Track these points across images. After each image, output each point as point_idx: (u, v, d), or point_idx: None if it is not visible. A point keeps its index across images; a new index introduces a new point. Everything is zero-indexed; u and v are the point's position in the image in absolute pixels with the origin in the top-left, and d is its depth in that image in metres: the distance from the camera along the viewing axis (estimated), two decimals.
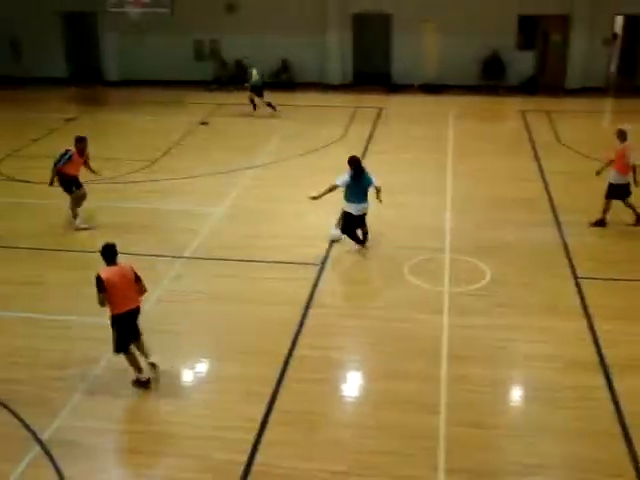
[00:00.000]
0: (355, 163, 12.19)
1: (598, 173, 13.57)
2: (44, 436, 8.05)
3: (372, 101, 24.09)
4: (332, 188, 12.14)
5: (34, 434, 8.07)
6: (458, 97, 24.44)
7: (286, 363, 9.40)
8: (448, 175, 16.48)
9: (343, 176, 12.12)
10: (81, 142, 13.65)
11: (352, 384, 9.28)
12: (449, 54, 25.11)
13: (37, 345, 9.88)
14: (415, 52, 25.58)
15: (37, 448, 7.87)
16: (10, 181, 16.36)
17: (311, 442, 8.01)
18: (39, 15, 26.25)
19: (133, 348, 8.97)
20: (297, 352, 9.64)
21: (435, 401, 8.63)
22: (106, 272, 8.57)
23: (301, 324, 10.31)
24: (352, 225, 12.37)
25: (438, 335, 10.02)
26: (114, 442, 8.07)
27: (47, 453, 7.79)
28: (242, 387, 8.96)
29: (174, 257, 12.44)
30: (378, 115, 22.26)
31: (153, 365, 9.03)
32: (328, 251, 12.62)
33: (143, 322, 9.51)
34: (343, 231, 12.51)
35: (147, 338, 9.37)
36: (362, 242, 12.52)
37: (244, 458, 7.72)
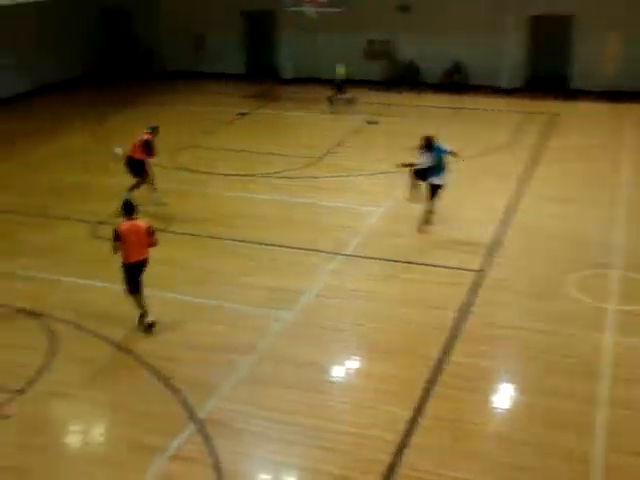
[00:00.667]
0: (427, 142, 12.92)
1: None
2: (200, 415, 8.44)
3: (547, 107, 23.24)
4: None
5: (191, 412, 8.48)
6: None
7: (437, 368, 9.31)
8: (623, 187, 15.64)
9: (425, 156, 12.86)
10: (154, 132, 14.75)
11: (503, 395, 9.05)
12: (634, 60, 23.78)
13: (201, 329, 10.36)
14: (595, 56, 24.39)
15: (193, 426, 8.26)
16: (180, 170, 17.25)
17: (457, 450, 7.89)
18: (222, 13, 27.47)
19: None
20: (448, 358, 9.52)
21: (590, 422, 8.23)
22: (123, 225, 9.90)
23: (455, 330, 10.18)
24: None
25: (598, 353, 9.55)
26: (263, 429, 8.30)
27: (202, 431, 8.16)
28: (390, 388, 8.97)
29: (333, 253, 12.63)
30: (551, 121, 21.47)
31: (150, 325, 10.14)
32: (488, 258, 12.37)
33: (303, 314, 9.77)
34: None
35: (302, 331, 9.60)
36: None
37: (389, 459, 7.73)
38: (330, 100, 22.93)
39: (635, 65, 23.80)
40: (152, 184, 14.78)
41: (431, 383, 8.99)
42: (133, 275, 10.04)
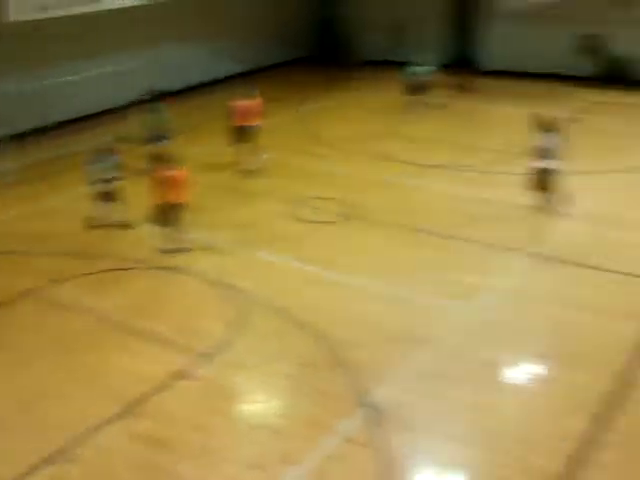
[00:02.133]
0: None
1: None
2: (379, 401, 8.49)
3: None
4: None
5: (369, 397, 8.57)
6: None
7: (625, 380, 8.79)
8: None
9: None
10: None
11: None
12: None
13: (389, 318, 10.39)
14: None
15: (369, 411, 8.34)
16: (374, 159, 17.37)
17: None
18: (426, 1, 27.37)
19: None
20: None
21: None
22: None
23: None
24: None
25: None
26: (437, 423, 8.22)
27: (377, 418, 8.23)
28: (568, 395, 8.60)
29: (526, 252, 12.26)
30: None
31: None
32: None
33: (493, 311, 9.57)
34: None
35: (492, 329, 9.43)
36: None
37: (562, 469, 7.42)
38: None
39: None
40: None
41: (618, 395, 8.51)
42: None
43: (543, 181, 13.49)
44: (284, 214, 14.11)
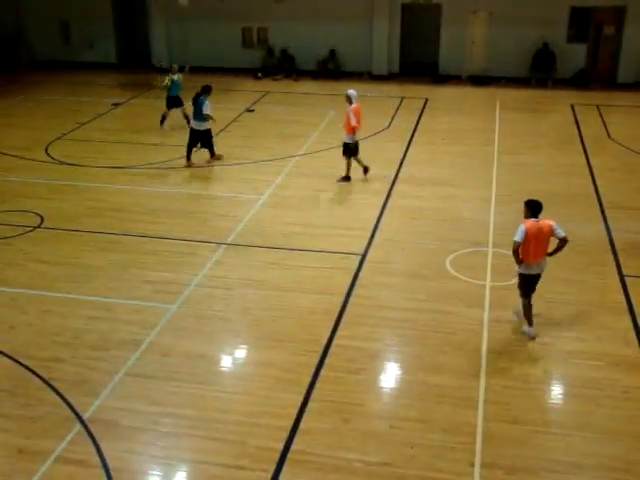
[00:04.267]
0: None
1: None
2: (85, 415, 8.22)
3: (418, 91, 23.93)
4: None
5: (75, 413, 8.25)
6: (507, 90, 24.21)
7: (324, 352, 9.44)
8: (494, 168, 16.34)
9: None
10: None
11: (390, 376, 9.27)
12: (498, 45, 24.94)
13: (79, 325, 10.06)
14: (464, 43, 25.37)
15: (78, 426, 8.04)
16: (57, 164, 16.67)
17: (348, 432, 8.04)
18: None
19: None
20: (336, 342, 9.67)
21: (473, 396, 8.59)
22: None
23: (340, 314, 10.34)
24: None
25: (478, 329, 9.96)
26: (151, 424, 8.17)
27: (88, 432, 7.95)
28: (279, 374, 9.03)
29: (216, 243, 12.56)
30: (424, 106, 22.12)
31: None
32: (370, 241, 12.64)
33: (188, 306, 9.64)
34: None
35: (188, 323, 9.51)
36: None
37: (280, 445, 7.79)
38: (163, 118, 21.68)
39: (501, 51, 24.89)
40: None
41: (319, 367, 9.12)
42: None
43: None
44: None
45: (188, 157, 16.32)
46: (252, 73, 25.91)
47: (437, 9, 25.19)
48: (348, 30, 25.62)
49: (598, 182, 15.46)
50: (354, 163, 15.50)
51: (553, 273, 10.99)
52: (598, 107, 21.81)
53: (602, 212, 13.89)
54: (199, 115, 16.19)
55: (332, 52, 25.91)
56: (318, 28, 25.63)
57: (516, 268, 9.77)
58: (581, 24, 24.70)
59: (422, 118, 20.76)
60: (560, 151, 17.75)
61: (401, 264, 11.96)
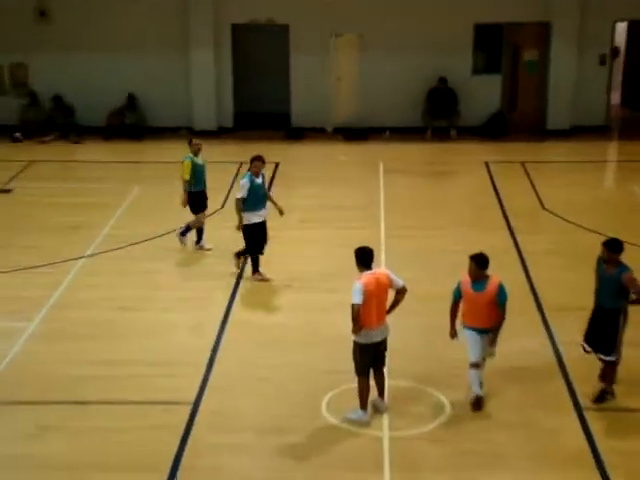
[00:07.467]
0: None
1: None
2: None
3: (264, 151, 24.04)
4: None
5: None
6: (392, 145, 25.08)
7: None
8: (381, 259, 16.49)
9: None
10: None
11: None
12: (376, 83, 25.73)
13: None
14: (325, 80, 26.05)
15: None
16: None
17: None
18: None
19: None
20: None
21: None
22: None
23: None
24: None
25: None
26: None
27: None
28: None
29: None
30: (274, 174, 22.31)
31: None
32: (205, 382, 12.49)
33: None
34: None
35: None
36: None
37: None
38: None
39: (378, 90, 25.66)
40: None
41: None
42: None
43: None
44: None
45: None
46: (6, 133, 25.47)
47: (284, 32, 25.76)
48: (154, 66, 25.82)
49: (532, 272, 15.95)
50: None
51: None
52: (524, 164, 22.87)
53: (543, 318, 14.28)
54: None
55: (131, 99, 25.97)
56: (110, 64, 25.61)
57: (352, 338, 11.04)
58: (491, 48, 25.84)
59: (271, 190, 20.87)
60: (474, 231, 18.09)
61: (252, 414, 11.77)
